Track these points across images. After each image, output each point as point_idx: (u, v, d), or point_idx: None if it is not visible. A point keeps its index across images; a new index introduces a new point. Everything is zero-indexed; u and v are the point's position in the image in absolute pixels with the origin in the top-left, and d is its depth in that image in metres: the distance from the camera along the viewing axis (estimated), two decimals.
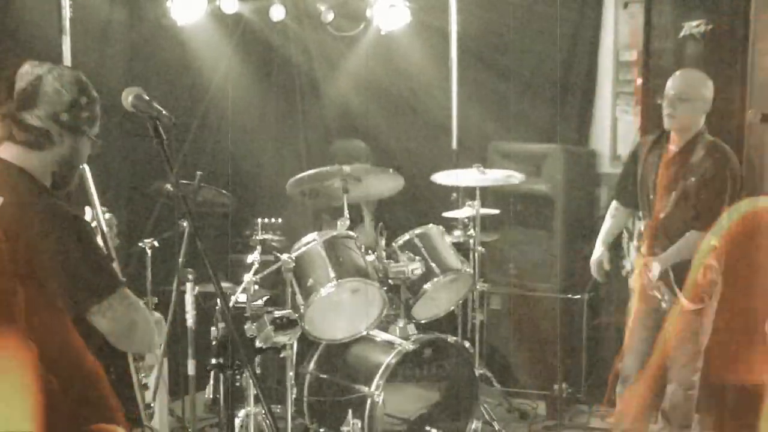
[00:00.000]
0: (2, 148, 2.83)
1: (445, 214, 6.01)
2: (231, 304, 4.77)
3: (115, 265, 3.02)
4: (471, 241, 5.66)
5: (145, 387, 3.44)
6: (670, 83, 4.94)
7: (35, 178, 2.82)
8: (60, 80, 2.84)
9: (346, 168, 5.33)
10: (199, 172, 4.56)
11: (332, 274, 4.98)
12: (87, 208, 3.19)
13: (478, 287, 5.76)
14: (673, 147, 4.98)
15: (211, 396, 5.45)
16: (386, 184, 5.68)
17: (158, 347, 4.32)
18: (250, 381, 5.03)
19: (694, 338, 4.96)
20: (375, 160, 6.07)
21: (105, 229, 3.15)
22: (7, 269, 2.67)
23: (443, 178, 5.80)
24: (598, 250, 5.32)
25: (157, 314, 4.24)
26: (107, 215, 3.37)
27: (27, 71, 2.84)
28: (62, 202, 2.86)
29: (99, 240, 3.10)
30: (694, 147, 4.90)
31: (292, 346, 5.18)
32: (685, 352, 4.98)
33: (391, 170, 5.57)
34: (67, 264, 2.70)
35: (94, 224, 3.15)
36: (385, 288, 5.24)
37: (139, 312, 2.89)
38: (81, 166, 3.06)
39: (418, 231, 5.50)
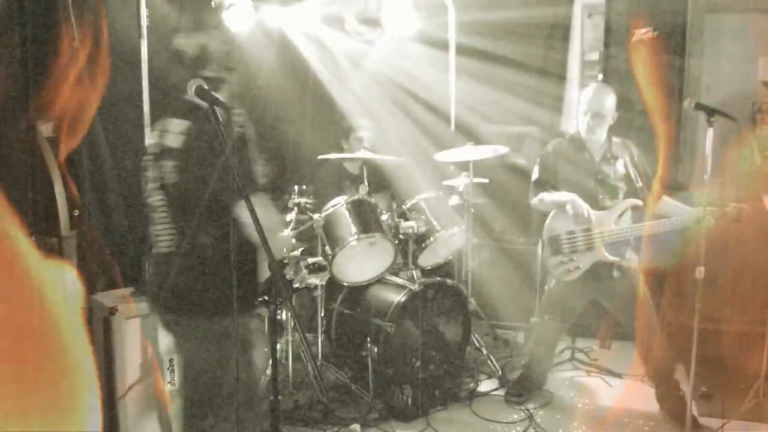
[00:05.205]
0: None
1: (445, 183, 6.01)
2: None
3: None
4: (465, 204, 5.67)
5: None
6: (607, 101, 4.70)
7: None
8: (217, 42, 3.43)
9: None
10: None
11: (354, 230, 5.00)
12: None
13: (470, 241, 5.77)
14: (596, 150, 4.79)
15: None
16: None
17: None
18: (289, 314, 5.08)
19: None
20: (374, 134, 6.05)
21: None
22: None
23: (443, 156, 5.73)
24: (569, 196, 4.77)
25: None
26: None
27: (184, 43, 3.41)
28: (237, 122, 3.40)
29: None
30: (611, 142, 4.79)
31: (322, 287, 5.23)
32: None
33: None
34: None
35: None
36: (396, 241, 5.25)
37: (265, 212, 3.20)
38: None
39: (423, 196, 5.51)
